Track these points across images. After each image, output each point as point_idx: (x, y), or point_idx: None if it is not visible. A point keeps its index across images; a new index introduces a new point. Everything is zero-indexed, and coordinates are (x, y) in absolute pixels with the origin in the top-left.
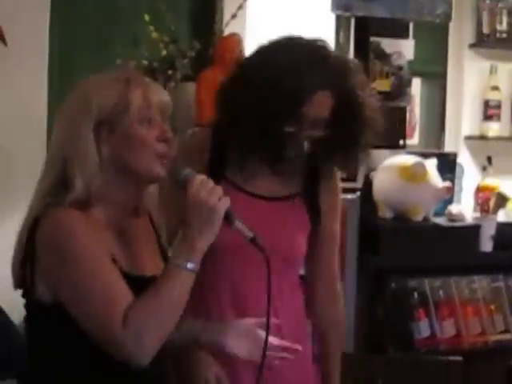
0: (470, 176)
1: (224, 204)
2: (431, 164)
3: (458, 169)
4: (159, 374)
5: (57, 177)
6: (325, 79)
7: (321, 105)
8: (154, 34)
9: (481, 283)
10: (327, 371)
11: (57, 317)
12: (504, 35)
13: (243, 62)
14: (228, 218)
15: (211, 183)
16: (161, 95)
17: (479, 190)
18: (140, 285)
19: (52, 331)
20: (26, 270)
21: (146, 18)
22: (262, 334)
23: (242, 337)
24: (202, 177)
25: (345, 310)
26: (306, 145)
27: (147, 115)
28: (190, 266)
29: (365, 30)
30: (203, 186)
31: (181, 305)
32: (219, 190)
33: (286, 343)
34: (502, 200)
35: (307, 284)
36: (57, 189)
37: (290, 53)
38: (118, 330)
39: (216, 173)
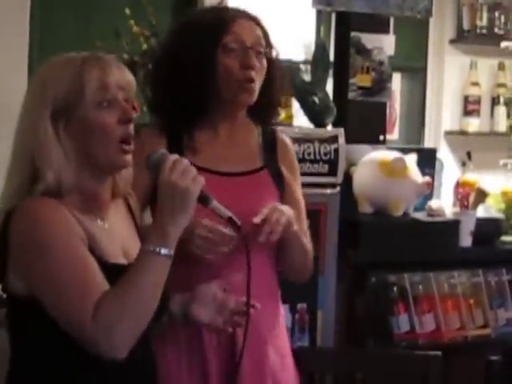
0: (450, 171)
1: (198, 185)
2: (411, 159)
3: (437, 164)
4: (145, 361)
5: (26, 169)
6: (242, 12)
7: (244, 29)
8: (135, 28)
9: (460, 278)
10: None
11: (31, 309)
12: (484, 31)
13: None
14: (203, 198)
15: (184, 163)
16: (120, 74)
17: (459, 185)
18: (116, 273)
19: (27, 324)
20: (1, 264)
21: (127, 11)
22: (229, 300)
23: (207, 304)
24: (174, 158)
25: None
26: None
27: (104, 97)
28: (163, 251)
29: (345, 25)
30: (175, 168)
31: (155, 293)
32: (193, 170)
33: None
34: (481, 195)
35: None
36: (28, 181)
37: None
38: (88, 323)
39: None
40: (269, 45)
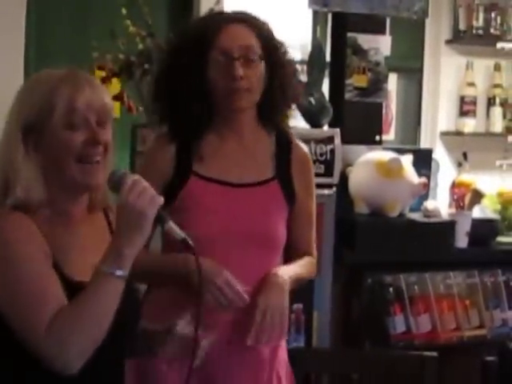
0: (446, 172)
1: (154, 207)
2: (407, 160)
3: (433, 165)
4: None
5: (1, 185)
6: (232, 16)
7: (230, 39)
8: (131, 28)
9: (456, 279)
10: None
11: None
12: (480, 31)
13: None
14: (159, 219)
15: (142, 185)
16: (93, 95)
17: (455, 185)
18: (79, 290)
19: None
20: None
21: (123, 11)
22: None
23: None
24: (133, 178)
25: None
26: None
27: (72, 118)
28: (118, 272)
29: (342, 25)
30: (132, 189)
31: (109, 312)
32: (150, 191)
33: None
34: (477, 196)
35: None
36: (2, 194)
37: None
38: (42, 337)
39: (184, 169)
40: (267, 47)
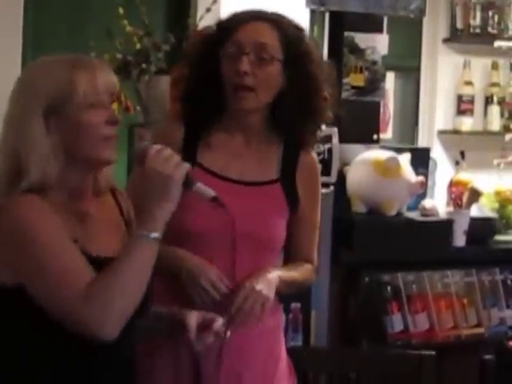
0: (444, 171)
1: (181, 170)
2: (405, 159)
3: (431, 163)
4: (127, 359)
5: (11, 167)
6: (258, 13)
7: (246, 35)
8: (128, 28)
9: (454, 277)
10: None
11: (20, 300)
12: (477, 30)
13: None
14: (187, 183)
15: (167, 152)
16: (108, 77)
17: (452, 184)
18: (99, 265)
19: (16, 315)
20: None
21: (121, 11)
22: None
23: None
24: (157, 147)
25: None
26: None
27: (94, 99)
28: (153, 235)
29: (339, 24)
30: (158, 157)
31: (145, 275)
32: (175, 157)
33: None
34: (475, 195)
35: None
36: (13, 178)
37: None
38: (80, 304)
39: (189, 158)
40: (290, 51)
